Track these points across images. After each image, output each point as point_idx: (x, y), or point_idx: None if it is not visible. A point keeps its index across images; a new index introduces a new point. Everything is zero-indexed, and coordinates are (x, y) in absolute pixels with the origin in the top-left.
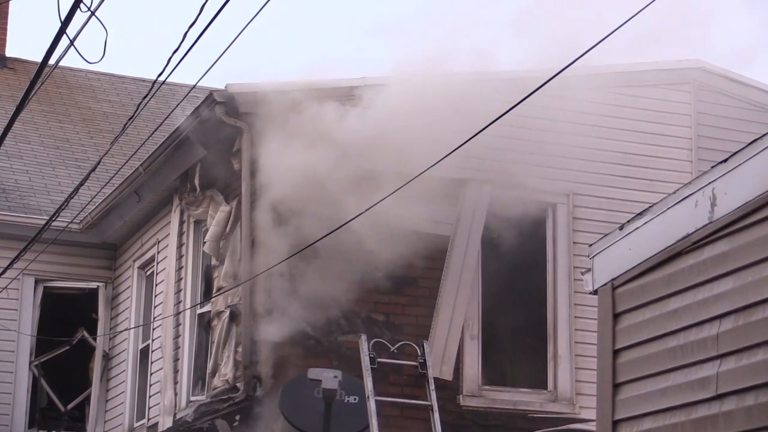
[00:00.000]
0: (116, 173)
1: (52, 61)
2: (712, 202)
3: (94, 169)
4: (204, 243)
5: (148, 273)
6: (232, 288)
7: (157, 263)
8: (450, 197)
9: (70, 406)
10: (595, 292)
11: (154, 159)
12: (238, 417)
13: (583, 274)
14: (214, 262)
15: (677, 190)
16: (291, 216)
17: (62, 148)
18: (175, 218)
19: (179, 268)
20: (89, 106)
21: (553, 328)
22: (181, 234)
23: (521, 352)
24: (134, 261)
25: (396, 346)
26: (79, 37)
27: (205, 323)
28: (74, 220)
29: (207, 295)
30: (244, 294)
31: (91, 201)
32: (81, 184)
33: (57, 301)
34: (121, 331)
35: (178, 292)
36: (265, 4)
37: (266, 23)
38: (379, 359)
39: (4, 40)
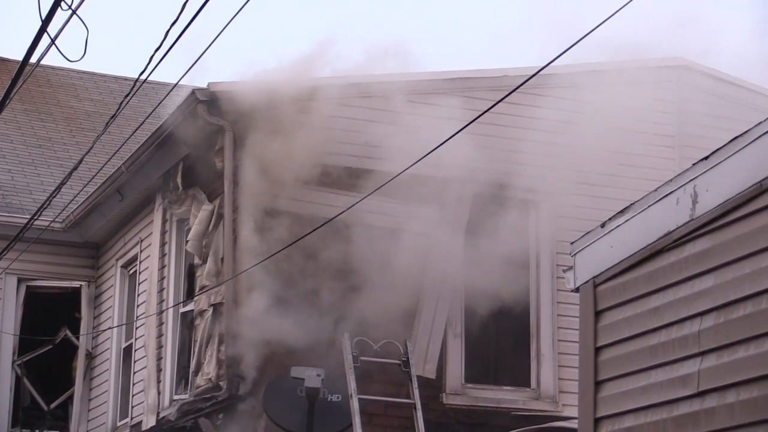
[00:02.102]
0: (98, 172)
1: (33, 59)
2: (693, 200)
3: (76, 168)
4: (187, 242)
5: (131, 272)
6: (214, 287)
7: (140, 262)
8: (433, 196)
9: (53, 405)
10: (576, 290)
11: (136, 158)
12: (221, 416)
13: (565, 271)
14: (196, 260)
15: (658, 187)
16: (273, 214)
17: (44, 147)
18: (157, 217)
19: (162, 267)
20: (71, 104)
21: (536, 326)
22: (163, 233)
23: (504, 351)
24: (117, 260)
25: (379, 344)
26: (60, 35)
27: (188, 322)
28: (57, 219)
29: (190, 293)
30: (227, 293)
31: (73, 200)
32: (63, 183)
33: (40, 300)
34: (104, 330)
35: (161, 290)
36: (247, 1)
37: (250, 20)
38: (362, 357)
39: None
